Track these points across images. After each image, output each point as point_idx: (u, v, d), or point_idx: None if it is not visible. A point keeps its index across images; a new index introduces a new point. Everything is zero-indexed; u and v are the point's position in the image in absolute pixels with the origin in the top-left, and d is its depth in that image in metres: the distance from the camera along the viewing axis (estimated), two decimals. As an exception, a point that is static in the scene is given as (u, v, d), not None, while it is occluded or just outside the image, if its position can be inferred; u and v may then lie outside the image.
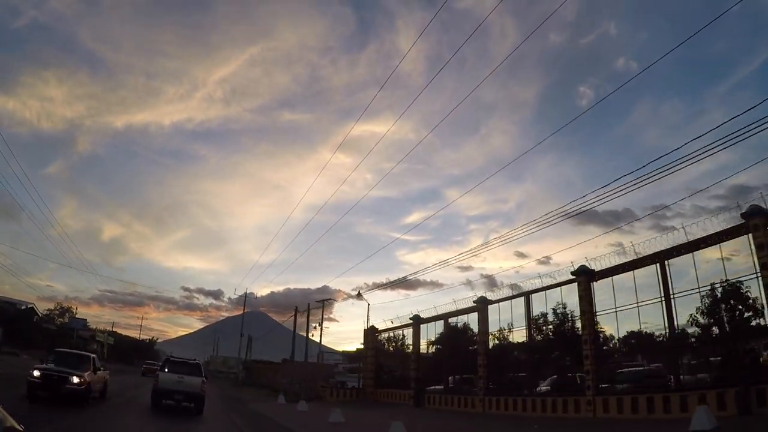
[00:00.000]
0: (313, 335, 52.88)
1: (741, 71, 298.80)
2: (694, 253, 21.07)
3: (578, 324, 25.44)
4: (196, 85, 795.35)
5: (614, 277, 24.74)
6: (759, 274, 17.52)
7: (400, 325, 42.38)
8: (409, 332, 41.42)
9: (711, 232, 20.21)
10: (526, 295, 29.55)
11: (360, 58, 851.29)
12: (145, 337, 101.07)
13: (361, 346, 47.83)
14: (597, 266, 25.29)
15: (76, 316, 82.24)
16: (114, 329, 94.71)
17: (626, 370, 24.12)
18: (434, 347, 38.25)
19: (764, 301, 17.49)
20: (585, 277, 25.41)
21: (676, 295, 21.59)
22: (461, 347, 34.26)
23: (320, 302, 52.96)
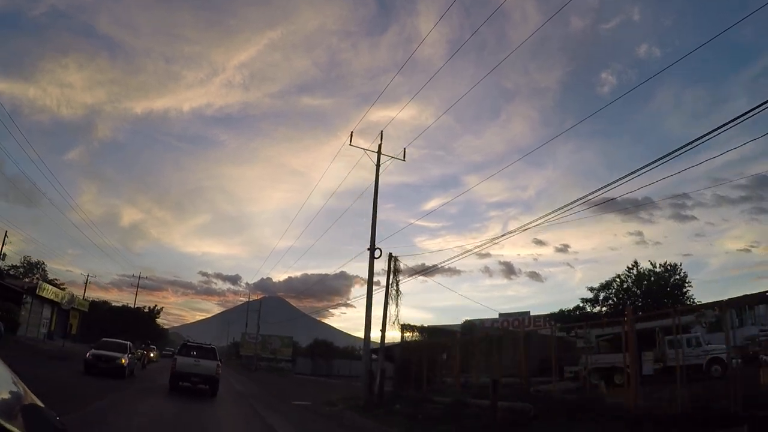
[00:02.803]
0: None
1: (765, 58, 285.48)
2: None
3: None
4: (215, 70, 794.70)
5: None
6: None
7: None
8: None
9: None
10: None
11: (380, 42, 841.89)
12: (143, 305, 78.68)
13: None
14: None
15: (49, 276, 66.94)
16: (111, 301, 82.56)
17: None
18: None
19: None
20: None
21: None
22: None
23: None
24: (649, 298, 39.94)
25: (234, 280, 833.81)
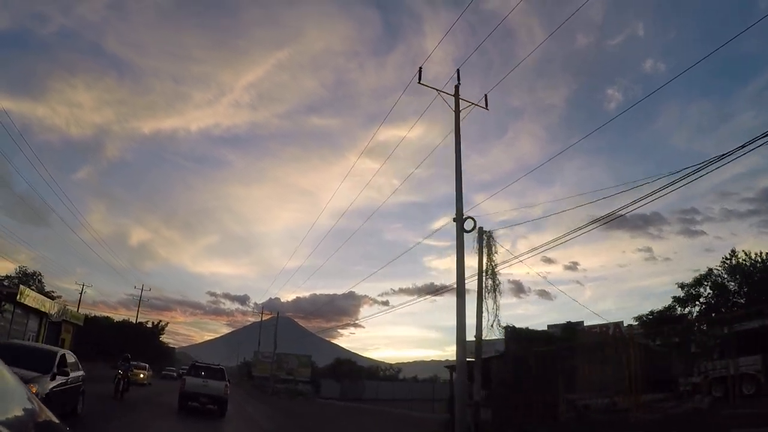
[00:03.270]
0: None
1: None
2: None
3: None
4: (223, 91, 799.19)
5: None
6: None
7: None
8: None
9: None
10: None
11: (387, 62, 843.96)
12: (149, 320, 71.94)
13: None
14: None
15: (46, 289, 56.45)
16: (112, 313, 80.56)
17: None
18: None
19: None
20: None
21: None
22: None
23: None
24: (756, 292, 32.55)
25: (242, 300, 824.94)
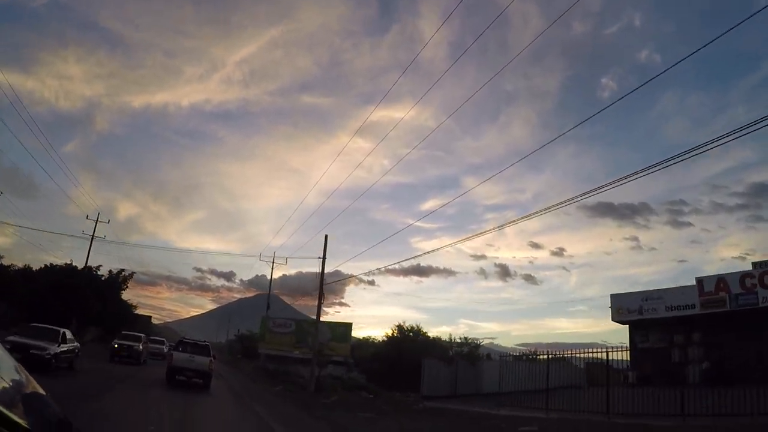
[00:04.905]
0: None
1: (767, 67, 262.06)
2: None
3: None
4: (215, 66, 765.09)
5: None
6: None
7: None
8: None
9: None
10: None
11: (382, 43, 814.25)
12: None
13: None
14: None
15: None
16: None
17: None
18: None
19: None
20: None
21: None
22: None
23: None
24: None
25: (228, 276, 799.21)
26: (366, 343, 52.72)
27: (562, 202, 14.65)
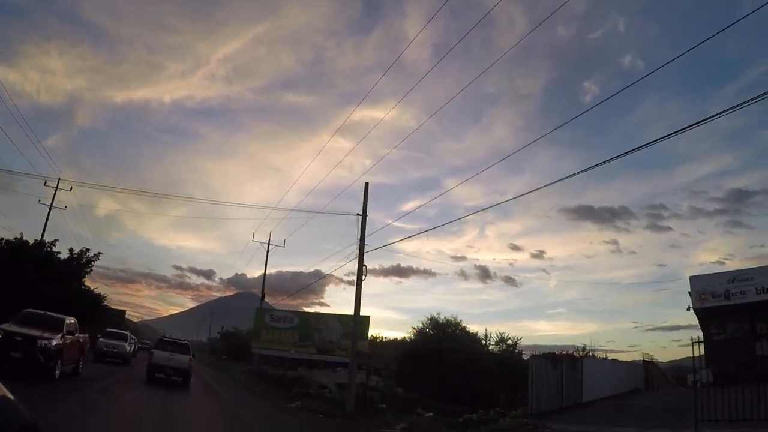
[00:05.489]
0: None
1: (750, 74, 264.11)
2: None
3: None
4: (198, 62, 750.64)
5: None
6: None
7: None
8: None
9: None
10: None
11: (366, 42, 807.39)
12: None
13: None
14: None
15: None
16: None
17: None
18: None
19: None
20: None
21: None
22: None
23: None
24: None
25: (208, 275, 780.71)
26: (374, 342, 45.21)
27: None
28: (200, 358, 79.84)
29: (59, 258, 33.74)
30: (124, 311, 75.25)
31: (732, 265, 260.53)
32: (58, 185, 36.56)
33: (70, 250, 34.72)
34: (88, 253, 35.32)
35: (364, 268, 20.87)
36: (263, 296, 38.15)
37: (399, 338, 50.28)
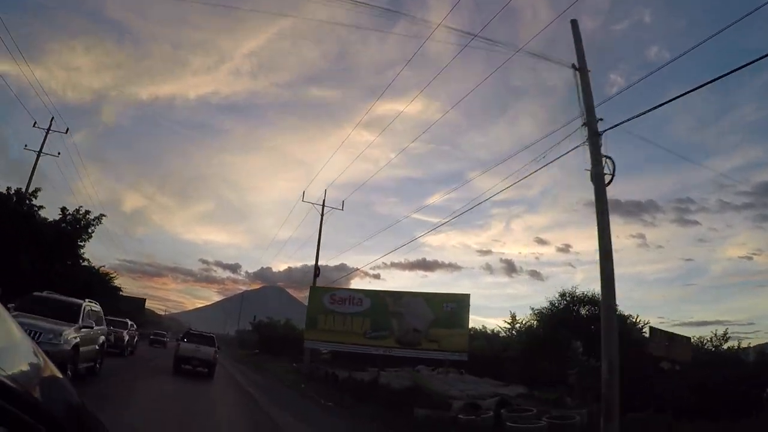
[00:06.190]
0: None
1: None
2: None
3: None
4: (223, 58, 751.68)
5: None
6: None
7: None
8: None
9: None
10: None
11: (389, 35, 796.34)
12: None
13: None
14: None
15: None
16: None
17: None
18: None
19: None
20: None
21: None
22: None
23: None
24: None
25: (234, 268, 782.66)
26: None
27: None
28: (229, 353, 70.20)
29: (45, 219, 24.66)
30: (144, 299, 66.86)
31: (760, 260, 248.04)
32: (50, 126, 27.38)
33: (63, 209, 25.52)
34: (88, 216, 26.17)
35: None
36: (317, 272, 28.40)
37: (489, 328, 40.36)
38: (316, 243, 29.19)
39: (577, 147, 11.42)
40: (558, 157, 12.29)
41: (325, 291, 27.06)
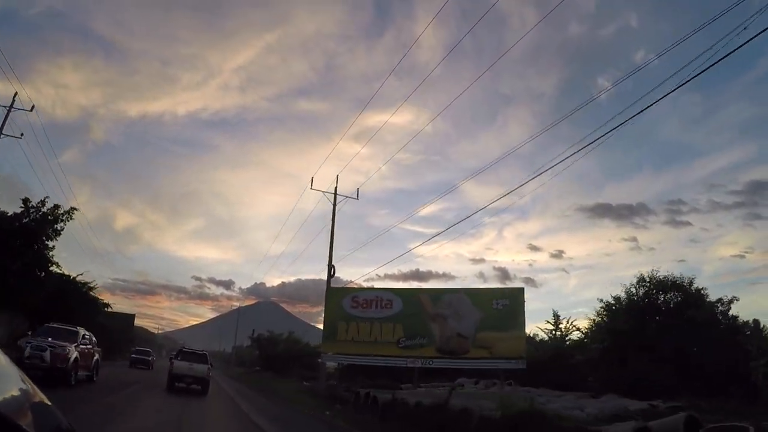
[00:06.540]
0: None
1: (763, 65, 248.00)
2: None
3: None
4: (211, 73, 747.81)
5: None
6: None
7: None
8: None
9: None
10: None
11: (377, 47, 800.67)
12: None
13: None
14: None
15: None
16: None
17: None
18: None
19: None
20: None
21: None
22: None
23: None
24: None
25: (227, 285, 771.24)
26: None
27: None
28: (226, 371, 64.94)
29: (4, 213, 20.03)
30: (133, 315, 61.24)
31: (752, 258, 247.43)
32: (14, 100, 22.68)
33: (25, 200, 20.88)
34: (57, 210, 21.57)
35: None
36: (331, 271, 23.65)
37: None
38: (330, 236, 24.36)
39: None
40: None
41: (344, 292, 22.37)
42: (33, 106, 23.36)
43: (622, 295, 21.57)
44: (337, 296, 22.21)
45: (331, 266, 23.19)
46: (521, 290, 20.48)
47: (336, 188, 25.36)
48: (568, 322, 28.34)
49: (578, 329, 24.07)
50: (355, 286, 24.70)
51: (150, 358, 42.44)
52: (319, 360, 22.66)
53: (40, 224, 20.41)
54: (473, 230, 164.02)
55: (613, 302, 21.92)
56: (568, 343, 27.69)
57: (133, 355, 41.93)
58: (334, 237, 24.47)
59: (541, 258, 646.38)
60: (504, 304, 19.81)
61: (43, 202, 20.84)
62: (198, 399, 18.28)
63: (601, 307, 22.42)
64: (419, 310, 20.26)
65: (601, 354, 20.43)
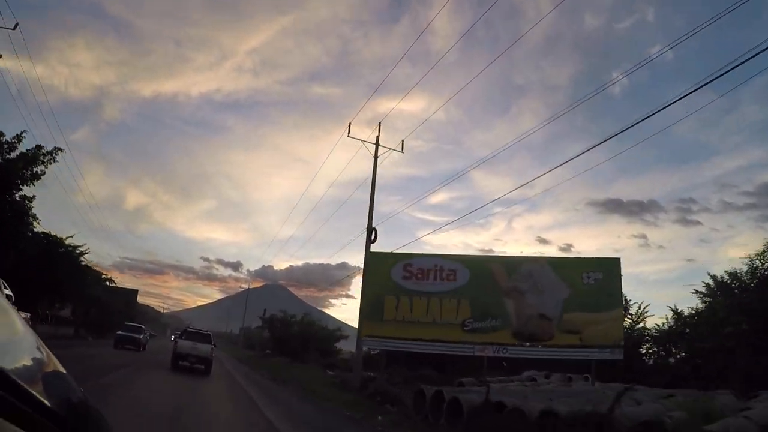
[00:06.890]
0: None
1: None
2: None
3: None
4: (225, 55, 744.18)
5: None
6: None
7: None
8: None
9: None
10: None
11: (392, 32, 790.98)
12: None
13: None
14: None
15: None
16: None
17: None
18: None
19: None
20: None
21: None
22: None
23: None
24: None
25: (235, 266, 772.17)
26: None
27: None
28: (234, 353, 61.43)
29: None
30: (136, 291, 57.09)
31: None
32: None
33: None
34: (40, 151, 17.43)
35: None
36: (372, 235, 19.07)
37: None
38: (370, 191, 19.76)
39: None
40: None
41: (395, 258, 17.96)
42: (16, 24, 18.98)
43: (742, 268, 17.26)
44: (384, 263, 17.87)
45: (371, 229, 18.78)
46: (617, 261, 16.26)
47: (378, 137, 20.76)
48: (640, 308, 23.97)
49: (675, 311, 19.62)
50: (409, 252, 19.91)
51: (141, 336, 34.36)
52: (359, 343, 18.13)
53: (13, 164, 16.30)
54: (482, 220, 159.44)
55: (728, 279, 17.60)
56: (640, 330, 23.35)
57: (120, 332, 33.43)
58: (375, 195, 19.96)
59: (550, 251, 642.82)
60: (596, 278, 15.57)
61: (18, 138, 16.72)
62: (199, 399, 13.80)
63: (708, 284, 18.08)
64: (490, 282, 16.02)
65: (736, 340, 16.04)
